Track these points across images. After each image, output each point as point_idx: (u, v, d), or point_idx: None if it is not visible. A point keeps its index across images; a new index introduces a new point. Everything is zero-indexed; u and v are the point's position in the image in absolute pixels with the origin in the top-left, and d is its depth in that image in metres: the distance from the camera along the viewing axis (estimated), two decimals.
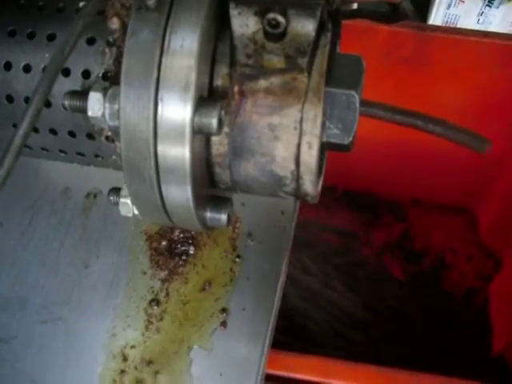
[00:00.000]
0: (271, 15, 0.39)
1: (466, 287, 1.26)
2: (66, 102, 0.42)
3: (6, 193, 0.36)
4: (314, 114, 0.41)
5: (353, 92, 0.44)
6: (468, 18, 1.34)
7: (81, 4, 0.45)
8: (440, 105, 0.98)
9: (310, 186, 0.45)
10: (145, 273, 0.61)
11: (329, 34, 0.42)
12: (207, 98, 0.41)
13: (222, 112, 0.41)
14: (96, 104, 0.40)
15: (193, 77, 0.38)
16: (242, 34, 0.41)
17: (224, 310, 0.59)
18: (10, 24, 0.46)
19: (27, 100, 0.45)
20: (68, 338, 0.60)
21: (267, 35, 0.40)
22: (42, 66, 0.45)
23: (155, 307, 0.60)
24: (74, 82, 0.44)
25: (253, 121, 0.42)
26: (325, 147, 0.48)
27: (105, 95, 0.41)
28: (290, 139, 0.42)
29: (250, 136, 0.42)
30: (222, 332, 0.58)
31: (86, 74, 0.44)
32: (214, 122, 0.39)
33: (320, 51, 0.41)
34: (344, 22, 0.49)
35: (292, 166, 0.43)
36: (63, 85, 0.44)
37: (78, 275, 0.62)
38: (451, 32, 1.08)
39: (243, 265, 0.62)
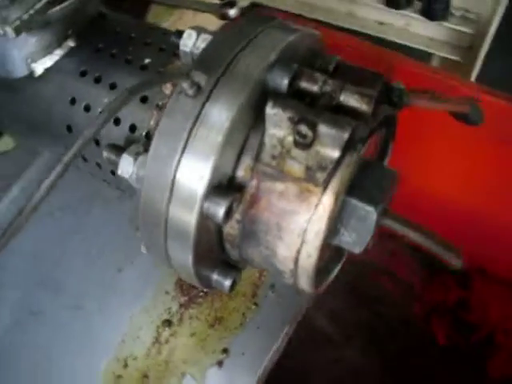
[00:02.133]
0: (301, 126, 0.41)
1: (508, 374, 1.20)
2: (105, 153, 0.46)
3: (62, 184, 0.39)
4: (318, 229, 0.42)
5: (372, 209, 0.44)
6: None
7: (146, 61, 0.49)
8: None
9: (306, 285, 0.46)
10: (168, 293, 0.66)
11: (355, 155, 0.42)
12: (225, 185, 0.43)
13: (234, 204, 0.43)
14: (126, 166, 0.44)
15: (208, 170, 0.41)
16: (273, 134, 0.42)
17: (225, 351, 0.63)
18: (84, 64, 0.50)
19: None
20: (85, 328, 0.66)
21: (295, 141, 0.42)
22: (100, 109, 0.49)
23: (167, 328, 0.65)
24: (121, 133, 0.48)
25: (264, 217, 0.44)
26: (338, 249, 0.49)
27: (135, 160, 0.44)
28: (292, 243, 0.43)
29: (258, 228, 0.44)
30: (217, 370, 0.62)
31: (132, 128, 0.48)
32: (221, 212, 0.41)
33: (342, 169, 0.42)
34: None
35: (291, 266, 0.45)
36: (112, 131, 0.48)
37: (110, 276, 0.67)
38: None
39: (257, 313, 0.65)
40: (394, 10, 1.53)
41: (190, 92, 0.41)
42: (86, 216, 0.72)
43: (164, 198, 0.43)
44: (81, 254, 0.71)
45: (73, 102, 0.50)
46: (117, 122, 0.48)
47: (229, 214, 0.42)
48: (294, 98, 0.43)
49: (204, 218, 0.42)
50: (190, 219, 0.42)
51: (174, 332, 0.65)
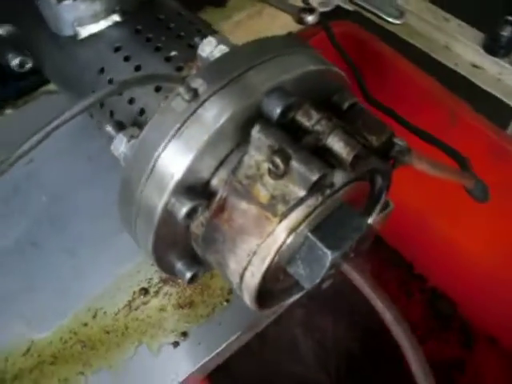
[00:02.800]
0: (276, 157, 0.43)
1: None
2: (108, 127, 0.50)
3: None
4: (264, 255, 0.44)
5: (329, 252, 0.46)
6: None
7: (172, 53, 0.52)
8: None
9: (248, 301, 0.49)
10: (154, 264, 0.69)
11: (320, 198, 0.44)
12: (197, 189, 0.46)
13: (200, 208, 0.45)
14: (118, 144, 0.48)
15: (183, 167, 0.44)
16: (253, 155, 0.45)
17: (184, 334, 0.66)
18: (121, 40, 0.54)
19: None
20: (72, 272, 0.71)
21: (269, 169, 0.44)
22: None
23: (142, 296, 0.69)
24: (131, 113, 0.52)
25: (224, 228, 0.46)
26: None
27: (128, 142, 0.48)
28: (241, 260, 0.46)
29: (217, 237, 0.47)
30: (172, 349, 0.65)
31: (141, 112, 0.51)
32: (182, 212, 0.44)
33: (302, 209, 0.44)
34: None
35: (237, 280, 0.47)
36: (125, 108, 0.52)
37: (110, 234, 0.71)
38: None
39: (225, 310, 0.67)
40: (490, 56, 1.49)
41: (186, 96, 0.44)
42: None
43: (141, 180, 0.46)
44: (94, 204, 0.75)
45: (101, 71, 0.54)
46: (131, 101, 0.52)
47: (190, 215, 0.45)
48: (284, 127, 0.45)
49: (169, 211, 0.45)
50: (157, 208, 0.45)
51: (147, 301, 0.69)
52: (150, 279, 0.70)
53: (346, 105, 0.52)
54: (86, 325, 0.67)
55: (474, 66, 1.58)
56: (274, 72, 0.46)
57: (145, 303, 0.69)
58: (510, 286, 1.15)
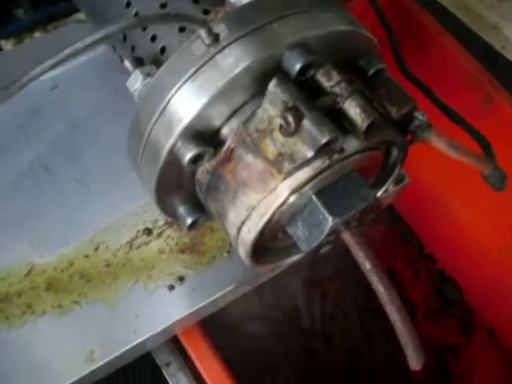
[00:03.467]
0: (289, 113, 0.42)
1: None
2: (126, 63, 0.49)
3: None
4: (263, 212, 0.44)
5: (330, 218, 0.45)
6: None
7: None
8: None
9: (243, 256, 0.49)
10: None
11: (327, 162, 0.43)
12: (206, 136, 0.45)
13: (207, 156, 0.45)
14: (134, 81, 0.47)
15: (190, 115, 0.43)
16: (267, 109, 0.44)
17: (181, 279, 0.67)
18: None
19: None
20: (81, 203, 0.71)
21: (280, 125, 0.43)
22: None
23: (145, 236, 0.69)
24: (153, 50, 0.51)
25: (227, 178, 0.46)
26: None
27: (144, 79, 0.47)
28: (240, 214, 0.46)
29: (220, 187, 0.47)
30: (166, 292, 0.66)
31: (163, 50, 0.50)
32: (187, 157, 0.44)
33: (308, 170, 0.43)
34: None
35: (235, 232, 0.47)
36: (147, 45, 0.51)
37: (123, 171, 0.71)
38: None
39: (225, 260, 0.68)
40: None
41: (207, 40, 0.43)
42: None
43: (151, 120, 0.45)
44: (112, 138, 0.75)
45: (128, 4, 0.53)
46: (153, 38, 0.51)
47: (195, 161, 0.44)
48: (303, 85, 0.44)
49: (174, 154, 0.45)
50: (163, 149, 0.45)
51: (149, 241, 0.69)
52: (156, 220, 0.70)
53: (372, 70, 0.51)
54: (86, 256, 0.68)
55: None
56: (300, 27, 0.45)
57: (146, 243, 0.69)
58: None
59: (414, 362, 0.46)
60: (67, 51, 0.38)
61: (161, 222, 0.71)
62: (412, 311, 1.30)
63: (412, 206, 1.34)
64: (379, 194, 0.57)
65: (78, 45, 0.38)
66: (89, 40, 0.38)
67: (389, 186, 0.68)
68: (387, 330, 1.22)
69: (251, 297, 1.14)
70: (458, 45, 1.05)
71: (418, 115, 0.49)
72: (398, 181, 0.70)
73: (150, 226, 0.70)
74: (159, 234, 0.70)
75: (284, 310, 1.18)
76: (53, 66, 0.39)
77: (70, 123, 0.78)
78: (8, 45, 0.85)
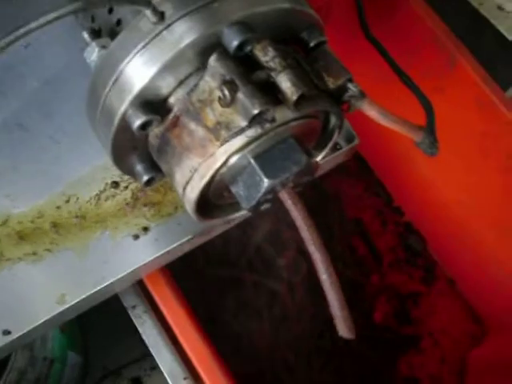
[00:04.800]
0: (225, 86, 0.47)
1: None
2: (84, 34, 0.53)
3: None
4: (203, 174, 0.49)
5: (265, 180, 0.51)
6: None
7: None
8: None
9: (190, 212, 0.54)
10: None
11: (259, 130, 0.48)
12: (155, 104, 0.50)
13: (155, 122, 0.50)
14: (91, 52, 0.52)
15: (138, 86, 0.48)
16: (208, 81, 0.49)
17: (145, 229, 0.73)
18: None
19: None
20: (53, 158, 0.76)
21: (219, 97, 0.48)
22: None
23: (112, 189, 0.75)
24: (110, 22, 0.55)
25: (173, 143, 0.51)
26: None
27: (99, 51, 0.51)
28: (185, 174, 0.51)
29: (168, 151, 0.52)
30: (131, 241, 0.72)
31: (118, 22, 0.54)
32: (136, 124, 0.49)
33: (242, 138, 0.48)
34: None
35: (181, 191, 0.53)
36: (105, 17, 0.55)
37: None
38: None
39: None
40: None
41: (153, 19, 0.47)
42: None
43: (105, 89, 0.50)
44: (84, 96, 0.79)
45: None
46: (111, 11, 0.55)
47: (144, 127, 0.50)
48: (242, 59, 0.49)
49: (126, 121, 0.50)
50: (115, 117, 0.50)
51: (115, 194, 0.74)
52: (123, 174, 0.75)
53: (313, 43, 0.55)
54: (58, 208, 0.74)
55: (500, 8, 1.53)
56: (242, 5, 0.49)
57: (114, 196, 0.74)
58: (474, 234, 1.20)
59: (344, 332, 0.50)
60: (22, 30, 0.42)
61: (127, 176, 0.76)
62: (379, 260, 1.38)
63: (382, 161, 1.40)
64: (319, 157, 0.62)
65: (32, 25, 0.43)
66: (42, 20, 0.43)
67: (342, 144, 0.73)
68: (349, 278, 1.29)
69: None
70: (425, 4, 1.08)
71: (351, 86, 0.54)
72: (349, 141, 0.76)
73: (117, 179, 0.76)
74: (126, 187, 0.75)
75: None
76: (14, 41, 0.44)
77: (42, 80, 0.82)
78: None
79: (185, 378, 0.78)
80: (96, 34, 0.53)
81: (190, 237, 0.71)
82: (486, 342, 1.32)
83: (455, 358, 1.33)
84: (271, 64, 0.49)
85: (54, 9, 0.42)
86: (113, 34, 0.54)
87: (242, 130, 0.48)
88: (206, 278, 1.18)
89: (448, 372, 1.31)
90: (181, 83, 0.50)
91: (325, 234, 1.34)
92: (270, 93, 0.48)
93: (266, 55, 0.49)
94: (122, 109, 0.49)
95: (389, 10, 1.11)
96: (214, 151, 0.49)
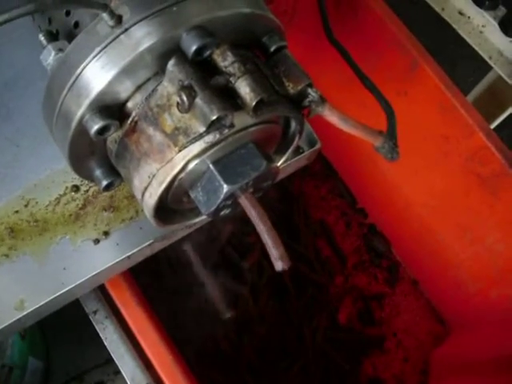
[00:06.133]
0: (183, 92, 0.46)
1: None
2: (40, 36, 0.52)
3: None
4: (162, 180, 0.49)
5: (224, 186, 0.51)
6: None
7: None
8: None
9: (149, 217, 0.54)
10: None
11: (218, 136, 0.48)
12: (113, 109, 0.49)
13: (113, 127, 0.49)
14: (47, 55, 0.51)
15: (95, 91, 0.47)
16: (166, 86, 0.48)
17: (106, 233, 0.72)
18: None
19: None
20: (12, 161, 0.75)
21: (177, 103, 0.48)
22: None
23: (72, 193, 0.73)
24: (68, 24, 0.54)
25: (131, 148, 0.51)
26: None
27: (56, 54, 0.51)
28: (143, 180, 0.51)
29: (126, 156, 0.51)
30: (92, 245, 0.71)
31: (76, 25, 0.54)
32: (93, 130, 0.48)
33: (200, 144, 0.48)
34: None
35: (139, 197, 0.52)
36: (62, 19, 0.54)
37: None
38: None
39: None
40: (476, 7, 1.48)
41: (110, 22, 0.46)
42: None
43: (62, 94, 0.49)
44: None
45: None
46: (68, 13, 0.54)
47: (101, 132, 0.49)
48: (200, 64, 0.49)
49: (83, 125, 0.49)
50: (72, 122, 0.49)
51: (76, 199, 0.73)
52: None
53: (273, 47, 0.55)
54: (17, 212, 0.72)
55: (460, 13, 1.56)
56: (202, 9, 0.49)
57: (74, 199, 0.73)
58: (436, 235, 1.22)
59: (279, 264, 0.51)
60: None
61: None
62: (343, 261, 1.39)
63: (346, 163, 1.41)
64: (281, 161, 0.62)
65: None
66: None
67: (304, 148, 0.74)
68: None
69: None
70: (388, 9, 1.09)
71: (312, 92, 0.54)
72: (311, 144, 0.76)
73: (77, 183, 0.75)
74: (86, 191, 0.74)
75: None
76: None
77: (2, 82, 0.80)
78: None
79: None
80: (53, 36, 0.53)
81: (151, 241, 0.70)
82: (448, 342, 1.34)
83: (418, 357, 1.34)
84: (230, 69, 0.48)
85: (5, 10, 0.41)
86: (70, 37, 0.53)
87: (200, 136, 0.47)
88: (168, 282, 1.17)
89: (411, 371, 1.33)
90: (139, 88, 0.50)
91: (289, 236, 1.35)
92: (229, 98, 0.48)
93: (225, 60, 0.49)
94: (79, 113, 0.48)
95: (352, 14, 1.12)
96: (173, 157, 0.48)
